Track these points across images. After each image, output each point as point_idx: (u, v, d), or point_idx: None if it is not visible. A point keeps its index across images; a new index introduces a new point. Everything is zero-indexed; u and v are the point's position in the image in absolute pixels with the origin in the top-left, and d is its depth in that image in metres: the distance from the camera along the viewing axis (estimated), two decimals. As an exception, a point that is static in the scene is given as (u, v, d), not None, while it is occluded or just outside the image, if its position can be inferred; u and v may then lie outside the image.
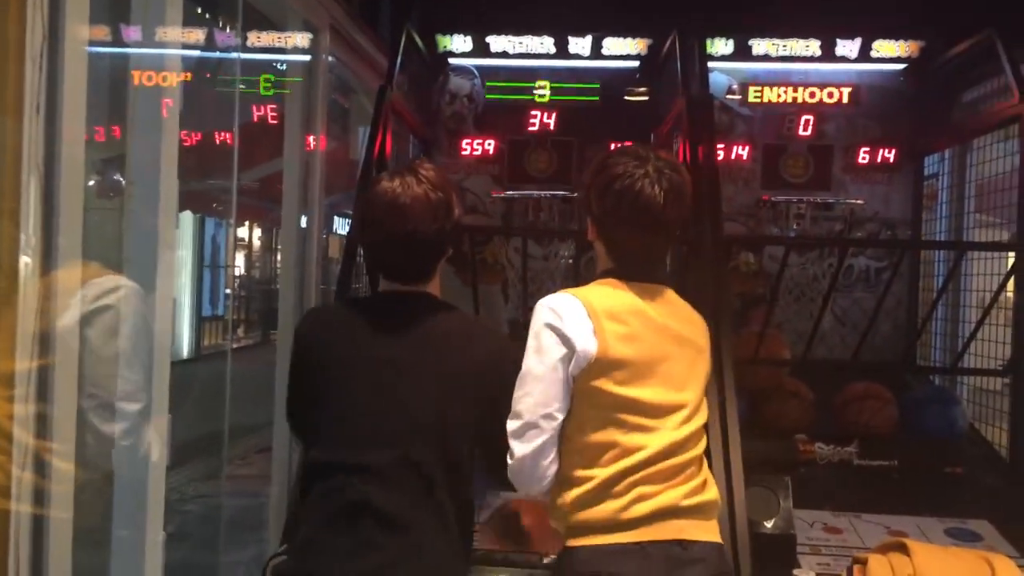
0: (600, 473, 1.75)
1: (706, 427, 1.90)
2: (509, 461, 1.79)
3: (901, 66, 4.29)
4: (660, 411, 1.79)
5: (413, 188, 1.82)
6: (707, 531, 1.79)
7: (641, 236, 1.86)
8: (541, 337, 1.79)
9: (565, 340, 1.76)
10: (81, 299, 1.90)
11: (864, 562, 2.24)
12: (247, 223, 17.58)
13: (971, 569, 2.15)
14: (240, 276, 17.98)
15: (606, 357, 1.75)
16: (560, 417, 1.77)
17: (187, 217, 13.58)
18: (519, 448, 1.77)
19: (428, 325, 1.84)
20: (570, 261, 4.36)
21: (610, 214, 1.86)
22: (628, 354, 1.77)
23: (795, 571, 2.38)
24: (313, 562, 1.75)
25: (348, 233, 3.35)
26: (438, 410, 1.78)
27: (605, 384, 1.76)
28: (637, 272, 1.88)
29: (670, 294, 1.92)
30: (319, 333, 1.90)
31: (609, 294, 1.84)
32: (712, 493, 1.84)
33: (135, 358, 2.00)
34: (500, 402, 1.81)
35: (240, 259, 18.36)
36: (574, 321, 1.77)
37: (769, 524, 2.50)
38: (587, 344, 1.75)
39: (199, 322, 14.73)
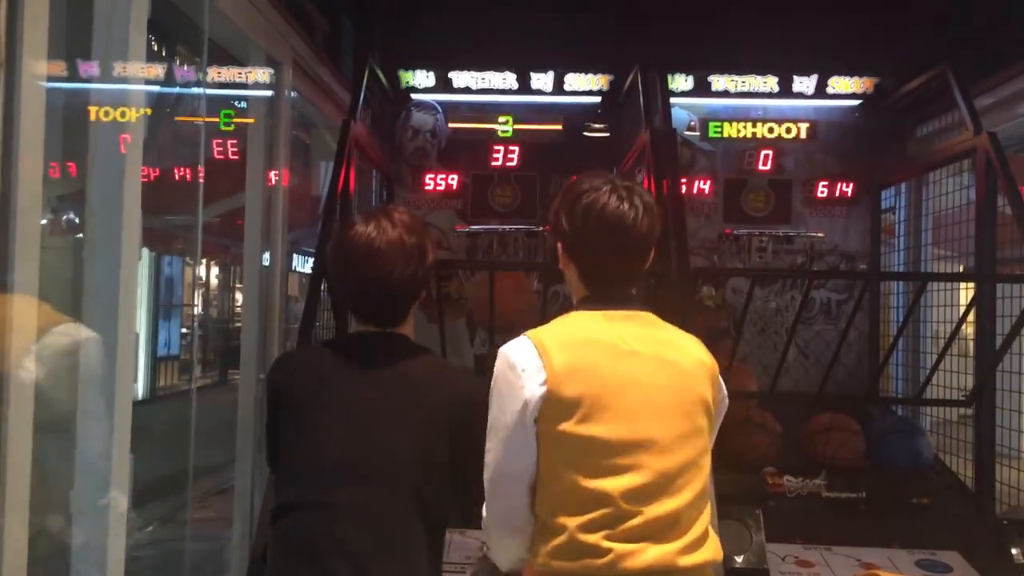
0: (571, 522, 1.65)
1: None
2: (486, 518, 1.76)
3: (856, 102, 4.39)
4: (627, 449, 1.66)
5: (388, 232, 1.82)
6: None
7: (611, 253, 1.77)
8: (495, 388, 1.74)
9: (517, 388, 1.69)
10: (42, 347, 1.85)
11: (839, 595, 2.23)
12: (204, 260, 17.35)
13: (945, 600, 2.15)
14: (198, 315, 17.71)
15: (556, 395, 1.66)
16: (524, 473, 1.70)
17: (143, 255, 13.37)
18: (486, 510, 1.75)
19: (401, 368, 1.83)
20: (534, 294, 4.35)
21: (579, 231, 1.77)
22: (581, 389, 1.66)
23: (770, 606, 2.36)
24: None
25: (313, 271, 3.30)
26: (409, 451, 1.75)
27: (562, 425, 1.65)
28: (610, 296, 1.79)
29: (648, 318, 1.79)
30: (292, 378, 1.87)
31: (568, 327, 1.76)
32: (708, 552, 1.70)
33: (97, 411, 1.94)
34: (472, 441, 1.76)
35: (197, 297, 18.09)
36: (524, 365, 1.70)
37: (742, 559, 2.48)
38: (536, 387, 1.67)
39: (154, 362, 14.44)
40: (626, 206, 1.74)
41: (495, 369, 1.76)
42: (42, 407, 1.81)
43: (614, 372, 1.69)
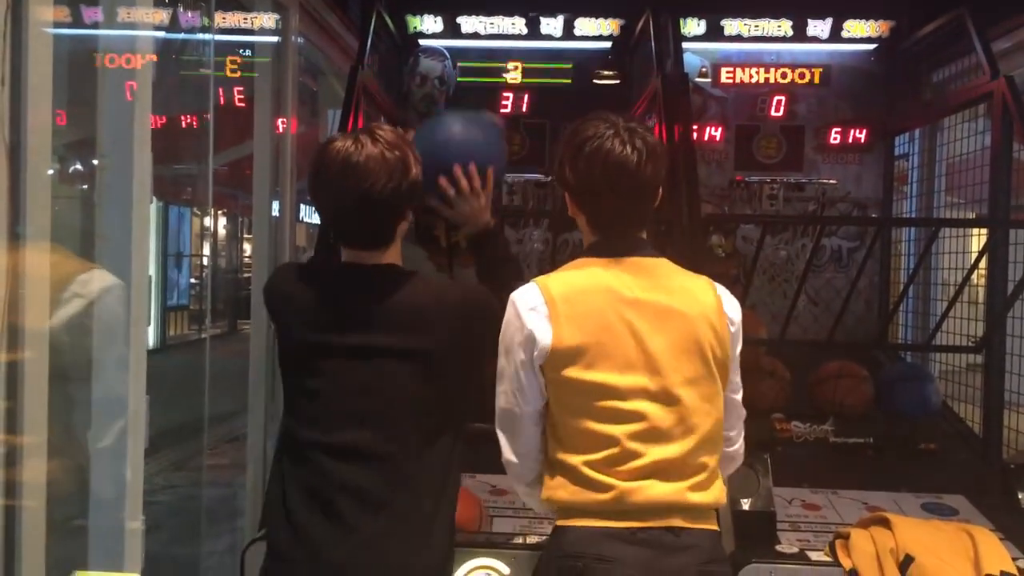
0: (581, 461, 1.71)
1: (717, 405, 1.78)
2: (505, 458, 1.84)
3: (872, 46, 4.31)
4: (631, 394, 1.70)
5: (367, 147, 1.76)
6: (701, 519, 1.73)
7: (618, 199, 1.77)
8: (504, 334, 1.79)
9: (525, 333, 1.73)
10: (72, 295, 1.86)
11: (846, 537, 2.26)
12: (212, 210, 17.36)
13: (952, 541, 2.17)
14: (206, 265, 17.77)
15: (562, 345, 1.70)
16: (532, 411, 1.77)
17: (152, 205, 13.38)
18: (503, 445, 1.83)
19: (398, 301, 1.80)
20: (539, 247, 4.34)
21: (584, 180, 1.78)
22: (585, 338, 1.70)
23: (777, 547, 2.39)
24: (287, 546, 1.75)
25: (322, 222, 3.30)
26: (411, 389, 1.77)
27: (569, 372, 1.71)
28: (618, 242, 1.80)
29: (654, 264, 1.80)
30: (289, 298, 1.87)
31: (573, 276, 1.79)
32: (712, 495, 1.74)
33: (117, 357, 1.96)
34: (475, 341, 1.83)
35: (205, 247, 18.13)
36: (531, 312, 1.74)
37: (748, 502, 2.51)
38: (543, 334, 1.71)
39: (164, 312, 14.55)
40: (629, 149, 1.74)
41: (505, 316, 1.80)
42: (64, 354, 1.84)
43: (619, 321, 1.71)
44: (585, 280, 1.76)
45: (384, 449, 1.74)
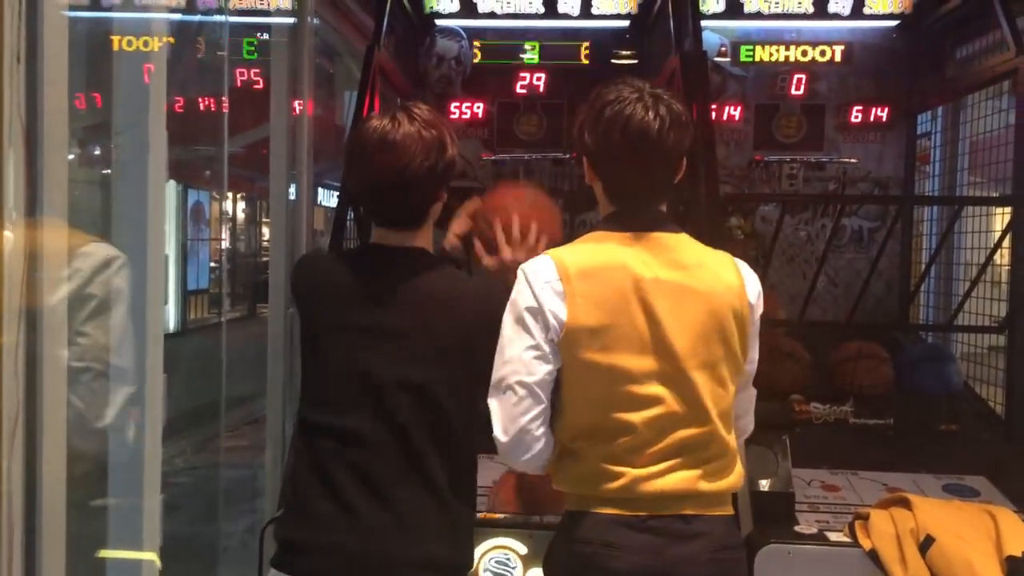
0: (594, 450, 1.68)
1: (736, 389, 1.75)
2: (494, 433, 1.72)
3: (894, 23, 4.23)
4: (647, 377, 1.66)
5: (405, 125, 1.76)
6: (715, 505, 1.71)
7: (637, 167, 1.70)
8: (513, 303, 1.72)
9: (536, 306, 1.68)
10: (76, 270, 1.87)
11: (866, 517, 2.25)
12: (230, 193, 17.41)
13: (973, 521, 2.16)
14: (225, 249, 17.85)
15: (576, 324, 1.65)
16: (532, 383, 1.68)
17: (170, 188, 13.44)
18: (494, 422, 1.71)
19: (421, 285, 1.79)
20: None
21: (603, 144, 1.71)
22: (601, 318, 1.65)
23: (796, 528, 2.39)
24: (304, 530, 1.75)
25: (339, 201, 3.29)
26: (428, 375, 1.75)
27: (584, 354, 1.66)
28: (636, 214, 1.74)
29: (675, 241, 1.74)
30: (313, 284, 1.88)
31: (590, 250, 1.72)
32: (728, 481, 1.71)
33: (128, 332, 1.97)
34: (490, 362, 1.76)
35: (224, 231, 18.20)
36: (545, 285, 1.68)
37: (768, 483, 2.50)
38: (558, 310, 1.66)
39: (184, 296, 14.64)
40: (651, 115, 1.67)
41: (515, 286, 1.73)
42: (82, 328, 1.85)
43: (636, 300, 1.66)
44: (602, 256, 1.70)
45: (400, 436, 1.73)
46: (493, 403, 1.72)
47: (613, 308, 1.66)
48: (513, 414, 1.69)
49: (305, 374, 1.88)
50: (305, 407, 1.84)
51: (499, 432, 1.71)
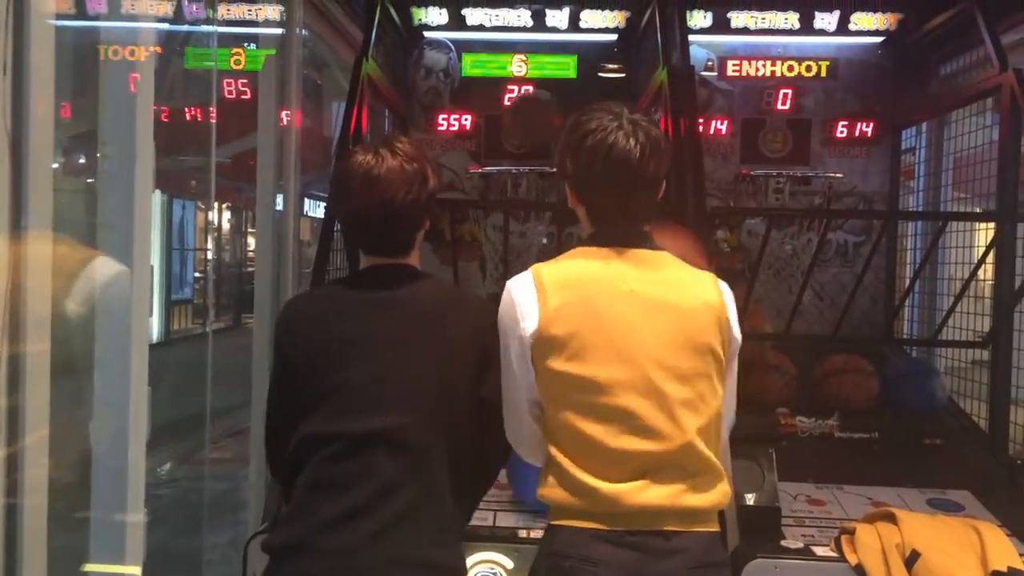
0: (569, 461, 1.68)
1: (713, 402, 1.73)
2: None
3: (879, 39, 4.27)
4: (617, 388, 1.65)
5: (388, 160, 1.83)
6: (698, 521, 1.68)
7: (619, 194, 1.75)
8: (500, 322, 1.79)
9: (516, 320, 1.73)
10: (85, 281, 1.87)
11: (852, 532, 2.26)
12: (215, 204, 17.35)
13: (959, 536, 2.16)
14: (210, 259, 17.77)
15: (547, 332, 1.68)
16: (524, 398, 1.76)
17: (155, 198, 13.38)
18: (507, 430, 1.84)
19: (414, 296, 1.85)
20: (544, 241, 4.33)
21: (585, 172, 1.75)
22: (573, 328, 1.67)
23: (782, 542, 2.39)
24: (301, 530, 1.73)
25: (325, 213, 3.29)
26: (432, 381, 1.77)
27: (553, 363, 1.68)
28: (617, 234, 1.77)
29: (654, 257, 1.76)
30: (302, 321, 1.88)
31: (567, 264, 1.76)
32: (712, 497, 1.69)
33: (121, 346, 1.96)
34: (492, 365, 1.81)
35: (209, 241, 18.13)
36: (523, 298, 1.73)
37: (753, 497, 2.50)
38: (530, 318, 1.70)
39: (168, 306, 14.56)
40: (632, 143, 1.70)
41: (501, 303, 1.80)
42: (71, 344, 1.83)
43: (609, 311, 1.68)
44: (578, 269, 1.75)
45: (406, 438, 1.74)
46: (504, 422, 1.84)
47: (584, 318, 1.68)
48: (515, 427, 1.82)
49: (300, 404, 1.82)
50: (307, 423, 1.80)
51: (511, 441, 1.86)
